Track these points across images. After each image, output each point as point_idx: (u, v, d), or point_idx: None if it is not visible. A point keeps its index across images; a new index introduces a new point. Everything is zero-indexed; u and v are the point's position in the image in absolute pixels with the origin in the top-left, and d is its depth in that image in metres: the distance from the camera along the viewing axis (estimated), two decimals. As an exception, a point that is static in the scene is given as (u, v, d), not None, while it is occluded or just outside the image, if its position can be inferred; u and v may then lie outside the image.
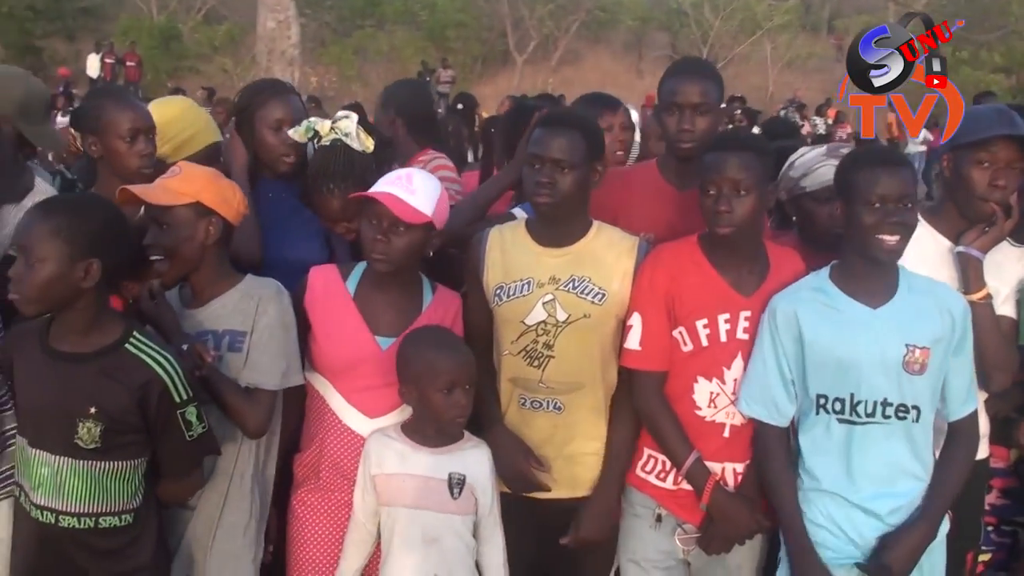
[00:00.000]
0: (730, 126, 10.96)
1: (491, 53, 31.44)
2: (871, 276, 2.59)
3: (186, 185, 2.66)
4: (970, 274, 2.79)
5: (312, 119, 3.14)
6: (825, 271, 2.66)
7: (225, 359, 2.65)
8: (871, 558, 2.57)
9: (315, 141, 3.11)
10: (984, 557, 3.19)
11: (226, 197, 2.71)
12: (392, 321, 2.78)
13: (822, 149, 3.08)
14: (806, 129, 18.83)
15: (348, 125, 3.06)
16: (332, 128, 3.06)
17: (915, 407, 2.57)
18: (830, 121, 20.28)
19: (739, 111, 13.48)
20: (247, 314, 2.67)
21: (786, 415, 2.66)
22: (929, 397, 2.60)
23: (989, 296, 2.79)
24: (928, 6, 28.62)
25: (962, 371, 2.63)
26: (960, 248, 2.83)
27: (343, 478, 2.78)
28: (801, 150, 3.11)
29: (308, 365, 2.80)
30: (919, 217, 2.72)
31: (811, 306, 2.60)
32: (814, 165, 3.02)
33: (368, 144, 3.06)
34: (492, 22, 31.57)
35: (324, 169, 3.04)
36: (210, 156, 3.39)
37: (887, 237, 2.51)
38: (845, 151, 2.99)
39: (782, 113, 13.54)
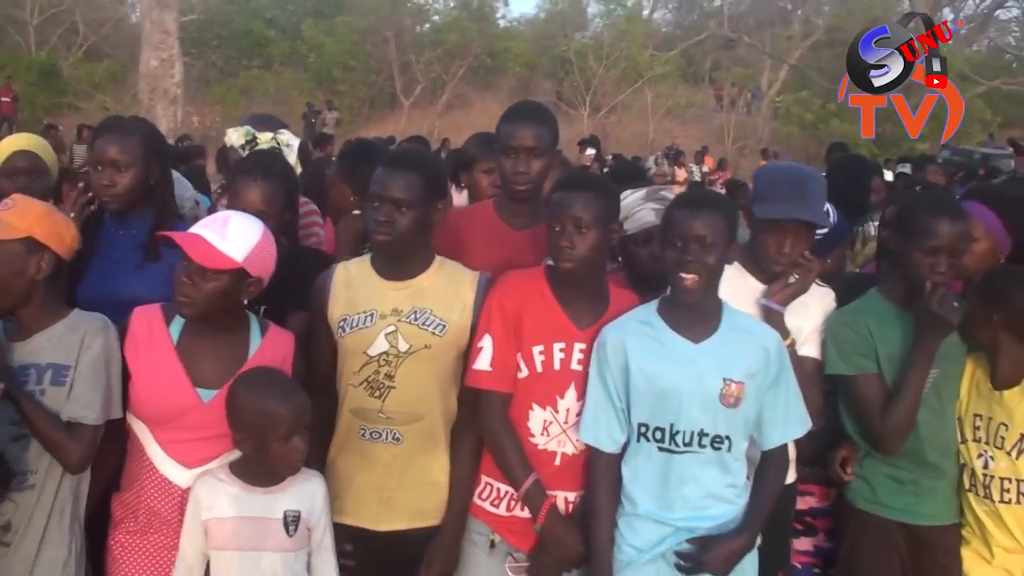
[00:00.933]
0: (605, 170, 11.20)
1: (379, 96, 31.58)
2: (693, 312, 2.71)
3: (19, 219, 2.62)
4: (774, 327, 2.90)
5: (251, 128, 3.22)
6: (653, 305, 2.77)
7: (47, 393, 2.60)
8: (690, 551, 2.68)
9: (251, 146, 3.15)
10: None
11: (59, 232, 2.68)
12: (215, 371, 2.71)
13: (641, 193, 3.15)
14: (682, 175, 19.40)
15: (290, 139, 3.17)
16: (274, 138, 3.15)
17: (728, 437, 2.69)
18: (706, 168, 20.95)
19: (610, 157, 13.76)
20: (71, 348, 2.63)
21: (617, 441, 2.75)
22: (742, 428, 2.72)
23: (793, 343, 2.95)
24: (802, 59, 30.02)
25: (776, 405, 2.75)
26: (763, 301, 2.97)
27: (161, 523, 2.73)
28: (624, 194, 3.21)
29: (128, 406, 2.74)
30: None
31: (638, 338, 2.71)
32: (634, 209, 3.11)
33: (297, 167, 3.12)
34: (380, 65, 31.71)
35: (258, 159, 3.10)
36: (18, 168, 3.44)
37: (684, 275, 2.63)
38: (665, 194, 3.13)
39: (652, 160, 13.92)
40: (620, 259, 3.26)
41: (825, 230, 3.43)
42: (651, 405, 2.70)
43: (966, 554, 3.05)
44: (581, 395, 2.80)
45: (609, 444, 2.75)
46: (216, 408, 2.67)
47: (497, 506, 2.88)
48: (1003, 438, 2.95)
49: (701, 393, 2.67)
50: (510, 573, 2.88)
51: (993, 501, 2.97)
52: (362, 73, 31.70)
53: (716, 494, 2.71)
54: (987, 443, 2.98)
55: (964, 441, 3.04)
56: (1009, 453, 2.93)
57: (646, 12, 39.35)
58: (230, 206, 3.06)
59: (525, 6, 68.11)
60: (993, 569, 3.00)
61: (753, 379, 2.70)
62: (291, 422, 2.60)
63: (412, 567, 2.88)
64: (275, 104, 29.65)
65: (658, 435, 2.70)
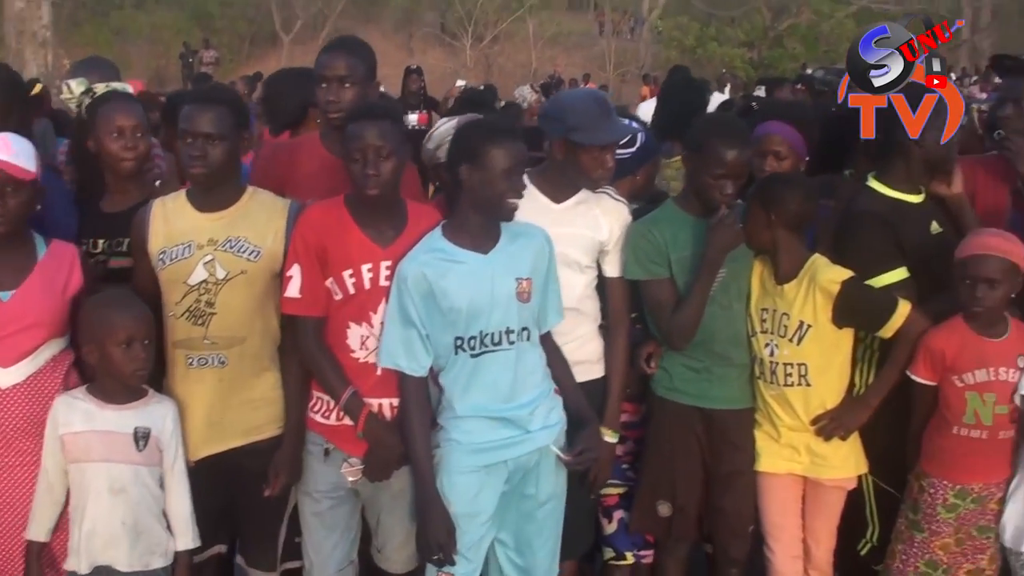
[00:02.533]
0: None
1: (259, 33, 30.85)
2: (482, 229, 2.96)
3: None
4: None
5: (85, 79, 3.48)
6: (437, 231, 2.98)
7: None
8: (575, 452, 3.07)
9: (90, 96, 3.40)
10: (619, 490, 3.58)
11: None
12: (9, 275, 2.95)
13: (454, 122, 3.33)
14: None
15: (126, 86, 3.44)
16: (107, 86, 3.43)
17: (527, 328, 2.99)
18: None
19: (482, 87, 13.77)
20: None
21: (424, 365, 2.97)
22: (536, 318, 3.05)
23: None
24: (679, -17, 30.27)
25: (549, 293, 3.09)
26: None
27: None
28: (438, 123, 3.39)
29: None
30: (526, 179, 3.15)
31: (434, 264, 2.92)
32: (447, 137, 3.28)
33: None
34: (259, 1, 30.97)
35: (104, 95, 3.36)
36: None
37: (516, 200, 2.91)
38: None
39: (527, 89, 13.96)
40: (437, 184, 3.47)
41: (632, 149, 3.70)
42: (462, 320, 2.92)
43: (758, 435, 3.38)
44: None
45: (415, 368, 2.96)
46: (16, 304, 2.93)
47: (328, 417, 3.08)
48: (786, 327, 3.26)
49: (500, 296, 2.94)
50: (346, 475, 3.08)
51: (779, 385, 3.30)
52: (240, 9, 30.96)
53: (524, 380, 3.01)
54: (773, 333, 3.29)
55: (754, 334, 3.35)
56: (791, 340, 3.25)
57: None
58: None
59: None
60: (780, 447, 3.34)
61: (537, 273, 3.01)
62: (129, 328, 2.85)
63: (256, 483, 3.08)
64: (150, 44, 28.85)
65: (472, 343, 2.94)
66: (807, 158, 3.77)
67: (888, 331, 3.17)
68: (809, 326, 3.21)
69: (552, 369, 3.13)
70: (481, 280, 2.92)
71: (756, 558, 3.46)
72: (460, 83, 12.04)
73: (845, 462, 3.31)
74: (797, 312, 3.23)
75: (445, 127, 3.35)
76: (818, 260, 3.23)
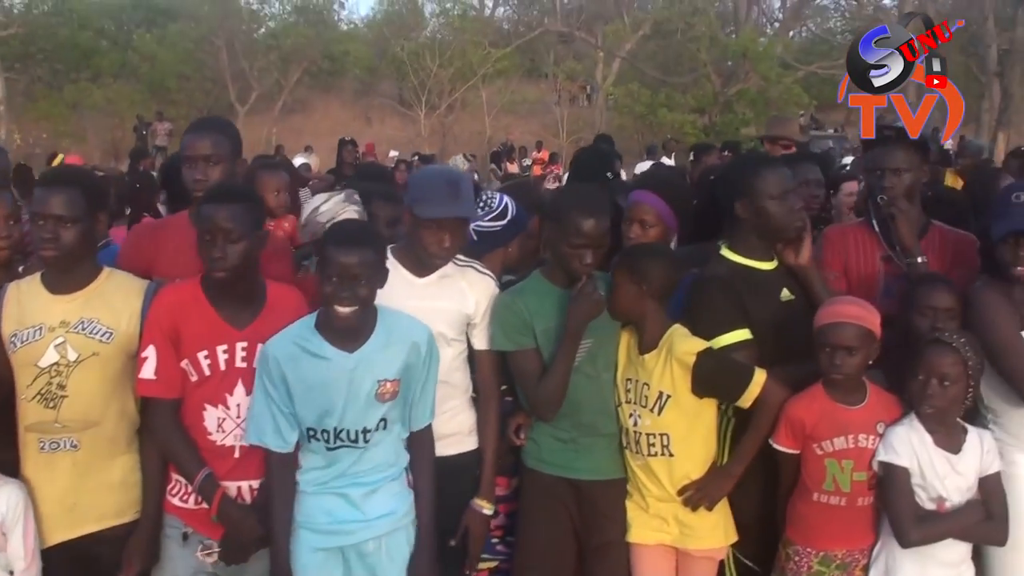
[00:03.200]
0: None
1: (216, 105, 30.97)
2: (347, 326, 2.91)
3: None
4: None
5: None
6: (311, 319, 2.97)
7: None
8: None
9: None
10: (490, 565, 3.56)
11: None
12: None
13: (341, 196, 3.36)
14: (515, 169, 19.81)
15: None
16: None
17: (385, 419, 2.97)
18: (528, 161, 21.49)
19: (416, 157, 13.93)
20: None
21: (289, 441, 2.96)
22: (399, 414, 3.03)
23: None
24: (631, 52, 30.89)
25: (425, 390, 3.07)
26: None
27: None
28: (327, 196, 3.41)
29: None
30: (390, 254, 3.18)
31: (296, 354, 2.91)
32: (337, 212, 3.34)
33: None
34: (215, 74, 31.23)
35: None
36: None
37: (340, 308, 2.85)
38: (358, 198, 3.35)
39: (456, 159, 14.11)
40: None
41: (503, 222, 3.74)
42: (314, 413, 2.92)
43: (629, 506, 3.37)
44: (249, 390, 3.00)
45: (280, 445, 2.95)
46: None
47: (186, 500, 3.06)
48: (647, 397, 3.26)
49: (358, 397, 2.92)
50: (201, 558, 3.05)
51: (644, 455, 3.29)
52: (197, 82, 31.17)
53: (376, 467, 3.01)
54: (636, 403, 3.30)
55: (620, 404, 3.35)
56: (652, 410, 3.25)
57: (488, 10, 39.77)
58: None
59: (369, 8, 67.75)
60: (650, 517, 3.32)
61: (408, 372, 2.99)
62: None
63: (113, 570, 3.03)
64: (105, 117, 28.92)
65: (325, 436, 2.94)
66: (678, 227, 3.82)
67: (746, 401, 3.18)
68: (668, 396, 3.22)
69: (412, 469, 3.12)
70: (338, 379, 2.91)
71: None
72: (393, 154, 12.17)
73: (713, 532, 3.30)
74: (656, 382, 3.24)
75: (333, 201, 3.37)
76: (676, 331, 3.26)
